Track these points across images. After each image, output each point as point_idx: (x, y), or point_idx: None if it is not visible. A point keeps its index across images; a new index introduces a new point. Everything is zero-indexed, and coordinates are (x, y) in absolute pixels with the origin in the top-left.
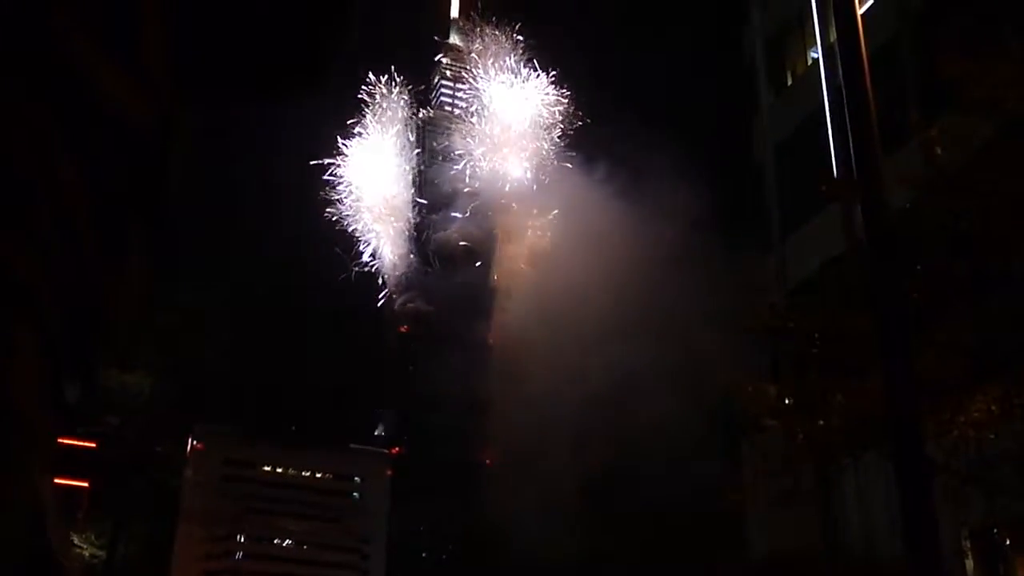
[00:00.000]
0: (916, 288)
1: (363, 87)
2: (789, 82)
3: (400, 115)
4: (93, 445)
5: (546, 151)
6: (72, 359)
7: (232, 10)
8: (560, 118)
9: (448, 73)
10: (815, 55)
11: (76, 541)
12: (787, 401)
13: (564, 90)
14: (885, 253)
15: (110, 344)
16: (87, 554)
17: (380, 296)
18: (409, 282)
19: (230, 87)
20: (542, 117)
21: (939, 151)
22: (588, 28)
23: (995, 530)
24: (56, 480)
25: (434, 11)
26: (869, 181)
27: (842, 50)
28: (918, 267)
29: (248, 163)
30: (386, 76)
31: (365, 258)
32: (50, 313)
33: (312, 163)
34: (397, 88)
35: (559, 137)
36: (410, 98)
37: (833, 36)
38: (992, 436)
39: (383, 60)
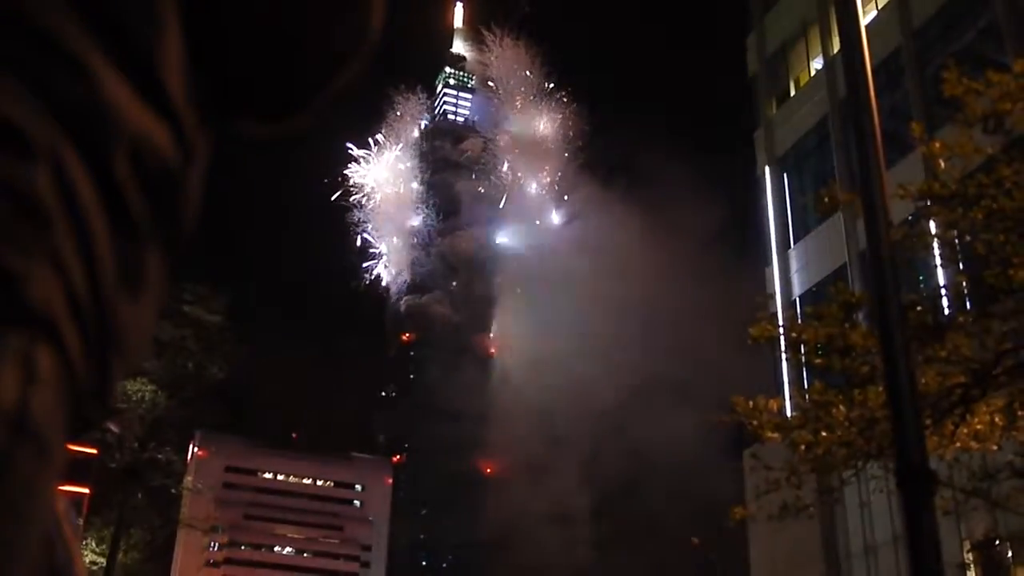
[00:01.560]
0: (918, 301)
1: (375, 96)
2: (792, 94)
3: (409, 122)
4: (94, 451)
5: (555, 160)
6: (89, 383)
7: (251, 29)
8: (567, 130)
9: (452, 82)
10: (818, 67)
11: None
12: (790, 413)
13: (566, 101)
14: (886, 265)
15: (125, 367)
16: (87, 561)
17: (387, 297)
18: (422, 284)
19: (248, 111)
20: (547, 127)
21: (942, 164)
22: (590, 40)
23: (997, 542)
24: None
25: (439, 20)
26: (871, 193)
27: (845, 63)
28: (921, 279)
29: (255, 175)
30: (394, 85)
31: (374, 265)
32: (69, 337)
33: (323, 178)
34: (405, 96)
35: (566, 149)
36: (417, 106)
37: (836, 48)
38: (995, 448)
39: (391, 69)
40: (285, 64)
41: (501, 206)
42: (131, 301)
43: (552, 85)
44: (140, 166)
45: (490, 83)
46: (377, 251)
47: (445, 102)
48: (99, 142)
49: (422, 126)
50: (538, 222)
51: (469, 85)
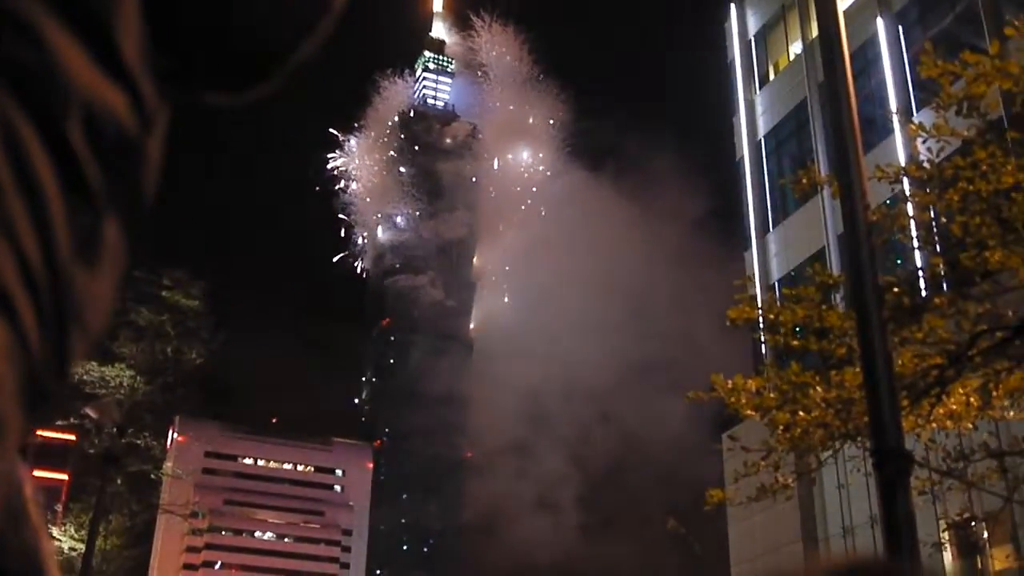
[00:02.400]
0: (895, 282)
1: (356, 80)
2: (771, 78)
3: (390, 107)
4: (72, 438)
5: (540, 144)
6: (45, 355)
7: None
8: (553, 114)
9: (431, 66)
10: (797, 51)
11: (55, 534)
12: (768, 394)
13: (552, 86)
14: (863, 246)
15: (85, 339)
16: (66, 547)
17: (369, 280)
18: (403, 268)
19: (208, 79)
20: (533, 111)
21: (919, 146)
22: (570, 26)
23: (973, 522)
24: (35, 472)
25: (419, 5)
26: (848, 175)
27: (823, 46)
28: (898, 261)
29: (238, 159)
30: (376, 69)
31: (355, 248)
32: (22, 307)
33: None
34: (391, 81)
35: (551, 133)
36: (398, 91)
37: (815, 32)
38: (971, 426)
39: (374, 54)
40: (247, 33)
41: (489, 191)
42: (88, 271)
43: (539, 72)
44: (96, 133)
45: (478, 67)
46: (358, 234)
47: (425, 87)
48: (52, 108)
49: (403, 110)
50: (523, 207)
51: (449, 69)
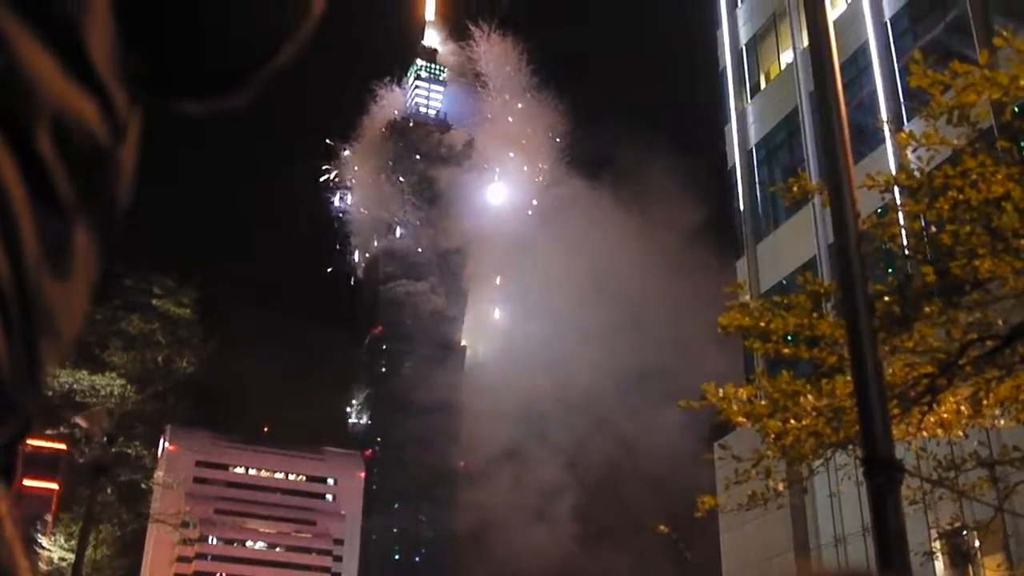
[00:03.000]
0: (885, 291)
1: (352, 88)
2: (762, 87)
3: (387, 115)
4: (63, 447)
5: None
6: (13, 365)
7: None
8: (549, 123)
9: (423, 74)
10: (788, 60)
11: (44, 543)
12: (759, 402)
13: (546, 96)
14: (854, 255)
15: (56, 349)
16: (55, 556)
17: (362, 288)
18: (392, 275)
19: (184, 88)
20: (529, 119)
21: (909, 155)
22: (565, 33)
23: (964, 532)
24: (25, 482)
25: (410, 13)
26: (838, 183)
27: (813, 56)
28: (888, 271)
29: (229, 166)
30: (372, 78)
31: (352, 253)
32: None
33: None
34: (388, 89)
35: (547, 142)
36: (391, 99)
37: (806, 42)
38: (961, 434)
39: (368, 62)
40: (222, 40)
41: (483, 197)
42: (58, 280)
43: (535, 81)
44: (65, 142)
45: (474, 76)
46: (353, 243)
47: (417, 95)
48: (20, 116)
49: (397, 119)
50: (529, 212)
51: (441, 78)
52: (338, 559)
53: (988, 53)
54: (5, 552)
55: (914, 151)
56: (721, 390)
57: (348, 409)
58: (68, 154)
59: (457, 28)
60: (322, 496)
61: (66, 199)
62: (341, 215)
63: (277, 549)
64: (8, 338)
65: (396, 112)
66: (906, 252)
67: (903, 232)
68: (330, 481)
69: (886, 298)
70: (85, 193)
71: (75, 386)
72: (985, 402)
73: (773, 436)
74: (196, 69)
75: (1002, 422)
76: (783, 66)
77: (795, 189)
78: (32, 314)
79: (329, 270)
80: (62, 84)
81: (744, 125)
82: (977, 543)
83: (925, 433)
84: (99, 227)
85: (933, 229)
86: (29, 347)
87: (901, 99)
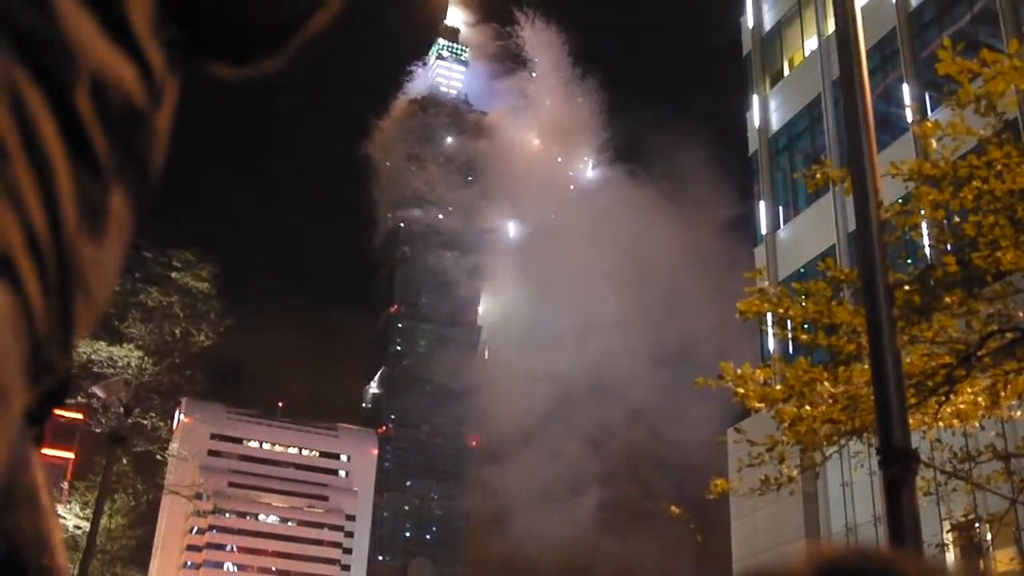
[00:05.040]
0: (906, 280)
1: (382, 66)
2: (786, 74)
3: (415, 93)
4: (80, 416)
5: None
6: (49, 325)
7: None
8: (586, 109)
9: (445, 54)
10: (812, 47)
11: (60, 511)
12: (775, 386)
13: (583, 81)
14: (875, 243)
15: (90, 310)
16: (71, 525)
17: (387, 263)
18: (442, 241)
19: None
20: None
21: (933, 144)
22: (583, 22)
23: (977, 523)
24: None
25: None
26: (861, 171)
27: (839, 42)
28: (908, 260)
29: (252, 141)
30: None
31: (378, 228)
32: (27, 275)
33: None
34: (415, 66)
35: (583, 127)
36: (424, 77)
37: (830, 28)
38: (977, 425)
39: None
40: (257, 4)
41: (506, 178)
42: (94, 241)
43: (574, 66)
44: (104, 104)
45: (513, 58)
46: (379, 217)
47: (438, 74)
48: (60, 77)
49: (423, 96)
50: (568, 194)
51: (463, 58)
52: (350, 535)
53: (1017, 42)
54: (43, 520)
55: (939, 140)
56: (739, 370)
57: (363, 386)
58: (106, 116)
59: (481, 7)
60: (335, 472)
61: (104, 160)
62: (370, 188)
63: (289, 523)
64: (45, 296)
65: (423, 90)
66: (928, 241)
67: (925, 221)
68: (343, 457)
69: (907, 287)
70: (122, 155)
71: (93, 356)
72: (1003, 394)
73: (788, 422)
74: (231, 32)
75: (1019, 414)
76: (807, 53)
77: (818, 176)
78: (68, 275)
79: (352, 249)
80: (102, 45)
81: (766, 112)
82: (990, 536)
83: (941, 423)
84: (134, 191)
85: (956, 219)
86: (64, 308)
87: (926, 88)
